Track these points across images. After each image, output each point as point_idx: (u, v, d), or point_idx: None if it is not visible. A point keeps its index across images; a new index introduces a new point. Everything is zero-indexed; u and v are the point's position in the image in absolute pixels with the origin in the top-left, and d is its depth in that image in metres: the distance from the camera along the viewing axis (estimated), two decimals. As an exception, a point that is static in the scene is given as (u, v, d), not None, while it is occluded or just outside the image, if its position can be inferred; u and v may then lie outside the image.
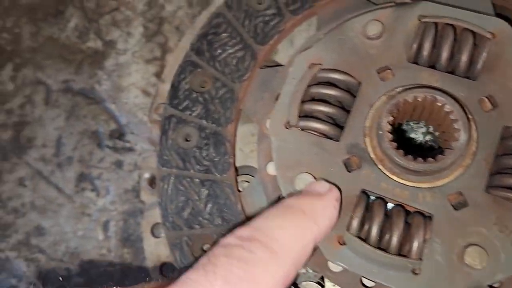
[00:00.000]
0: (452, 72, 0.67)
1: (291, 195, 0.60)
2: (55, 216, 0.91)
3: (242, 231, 0.47)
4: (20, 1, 1.06)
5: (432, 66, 0.68)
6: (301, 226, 0.49)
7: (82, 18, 1.02)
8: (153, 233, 0.84)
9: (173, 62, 0.88)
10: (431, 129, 0.79)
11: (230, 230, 0.49)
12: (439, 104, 0.63)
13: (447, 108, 0.63)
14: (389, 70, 0.67)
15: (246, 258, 0.44)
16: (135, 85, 0.96)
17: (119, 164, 0.93)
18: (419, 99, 0.64)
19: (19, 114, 0.98)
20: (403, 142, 0.79)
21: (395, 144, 0.62)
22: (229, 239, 0.47)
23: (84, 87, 0.98)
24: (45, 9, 1.05)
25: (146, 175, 0.87)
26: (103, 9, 1.02)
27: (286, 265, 0.46)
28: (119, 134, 0.94)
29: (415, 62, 0.68)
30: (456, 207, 0.61)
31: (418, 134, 0.82)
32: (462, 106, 0.63)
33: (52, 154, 0.94)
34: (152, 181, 0.87)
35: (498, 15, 0.71)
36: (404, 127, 0.80)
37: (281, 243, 0.47)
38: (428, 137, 0.81)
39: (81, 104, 0.96)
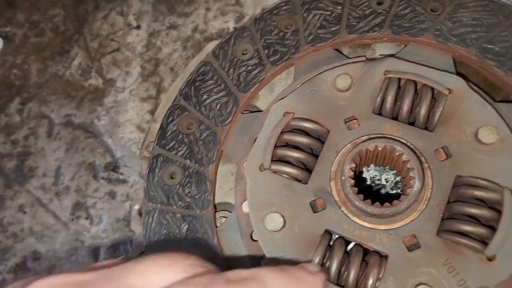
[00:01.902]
0: (412, 124, 0.74)
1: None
2: (51, 242, 0.98)
3: (243, 272, 0.53)
4: (30, 40, 1.15)
5: (396, 118, 0.75)
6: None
7: (85, 57, 1.11)
8: (140, 261, 0.91)
9: (165, 102, 0.95)
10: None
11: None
12: (397, 153, 0.70)
13: (404, 157, 0.69)
14: (355, 120, 0.74)
15: None
16: (130, 121, 1.04)
17: (112, 195, 1.00)
18: (380, 148, 0.71)
19: (23, 145, 1.05)
20: (366, 185, 0.86)
21: (356, 189, 0.68)
22: (230, 274, 0.53)
23: (84, 121, 1.06)
24: (53, 48, 1.14)
25: (137, 206, 0.93)
26: (105, 49, 1.11)
27: None
28: (113, 166, 1.01)
29: (380, 114, 0.75)
30: (409, 249, 0.67)
31: (390, 175, 0.88)
32: (417, 156, 0.69)
33: (52, 183, 1.01)
34: (141, 212, 0.94)
35: (458, 73, 0.78)
36: (377, 169, 0.86)
37: None
38: (398, 178, 0.87)
39: (80, 137, 1.04)
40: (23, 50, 1.14)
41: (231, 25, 1.08)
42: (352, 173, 0.69)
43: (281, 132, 0.74)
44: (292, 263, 0.68)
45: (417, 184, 0.67)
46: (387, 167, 0.86)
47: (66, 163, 1.02)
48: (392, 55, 0.80)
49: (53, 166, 1.03)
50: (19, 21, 1.17)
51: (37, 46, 1.14)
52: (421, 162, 0.69)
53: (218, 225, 0.77)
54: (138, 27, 1.11)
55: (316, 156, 0.74)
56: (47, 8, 1.17)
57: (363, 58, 0.81)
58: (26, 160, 1.04)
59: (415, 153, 0.69)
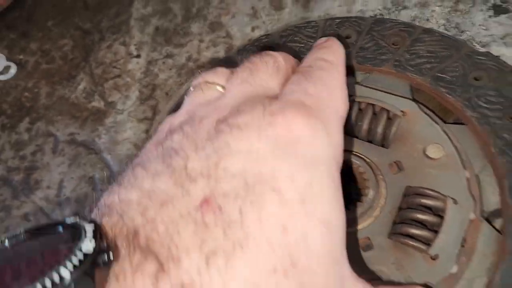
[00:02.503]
0: (371, 141, 0.84)
1: None
2: (52, 248, 1.07)
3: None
4: (41, 67, 1.28)
5: (356, 136, 0.85)
6: None
7: (90, 82, 1.23)
8: (132, 265, 1.00)
9: (159, 123, 1.07)
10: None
11: None
12: (355, 166, 0.80)
13: (361, 169, 0.79)
14: (321, 138, 0.85)
15: None
16: (128, 140, 1.15)
17: (109, 206, 1.10)
18: (340, 162, 0.81)
19: (30, 160, 1.16)
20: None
21: (318, 196, 0.78)
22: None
23: (86, 139, 1.17)
24: (61, 73, 1.26)
25: (130, 216, 1.03)
26: (108, 75, 1.23)
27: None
28: (111, 180, 1.12)
29: (344, 132, 0.85)
30: (364, 249, 0.76)
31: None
32: (373, 169, 0.79)
33: (54, 195, 1.12)
34: (135, 221, 1.04)
35: (414, 99, 0.88)
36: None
37: None
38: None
39: (82, 154, 1.15)
40: (35, 76, 1.27)
41: (221, 55, 1.20)
42: (315, 182, 0.79)
43: (256, 147, 0.85)
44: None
45: (371, 193, 0.77)
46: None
47: (69, 177, 1.13)
48: (357, 83, 0.91)
49: (57, 179, 1.13)
50: (32, 50, 1.30)
51: (47, 72, 1.27)
52: (375, 174, 0.79)
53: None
54: (138, 56, 1.24)
55: (286, 169, 0.84)
56: (58, 38, 1.30)
57: (332, 85, 0.92)
58: (33, 173, 1.15)
59: (370, 166, 0.79)
